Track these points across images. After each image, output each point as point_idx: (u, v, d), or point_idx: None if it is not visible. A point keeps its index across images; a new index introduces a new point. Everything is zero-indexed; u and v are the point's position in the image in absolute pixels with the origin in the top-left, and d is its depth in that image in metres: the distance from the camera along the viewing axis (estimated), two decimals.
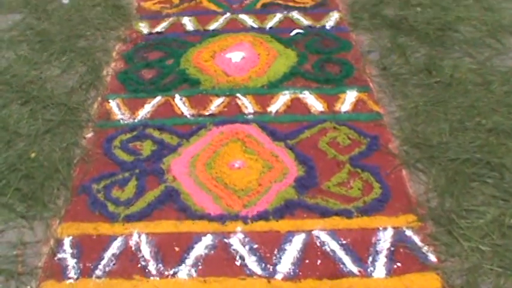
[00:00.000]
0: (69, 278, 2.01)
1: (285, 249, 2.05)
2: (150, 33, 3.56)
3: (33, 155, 2.59)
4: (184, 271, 2.00)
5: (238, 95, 2.88)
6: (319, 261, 2.02)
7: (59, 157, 2.58)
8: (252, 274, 1.98)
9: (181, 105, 2.84)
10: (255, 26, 3.56)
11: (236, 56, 3.20)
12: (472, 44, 3.39)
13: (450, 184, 2.34)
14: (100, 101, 2.98)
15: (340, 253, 2.04)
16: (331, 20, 3.62)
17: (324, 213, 2.18)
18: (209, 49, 3.29)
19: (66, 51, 3.46)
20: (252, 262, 2.02)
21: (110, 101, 2.93)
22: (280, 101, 2.82)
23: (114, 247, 2.11)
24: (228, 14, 3.72)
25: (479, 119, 2.71)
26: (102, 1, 4.08)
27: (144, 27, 3.64)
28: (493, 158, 2.45)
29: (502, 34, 3.50)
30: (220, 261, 2.04)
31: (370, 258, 2.02)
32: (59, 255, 2.09)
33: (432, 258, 2.02)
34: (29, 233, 2.25)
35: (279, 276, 1.97)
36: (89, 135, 2.73)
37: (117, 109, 2.86)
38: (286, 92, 2.89)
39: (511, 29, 3.53)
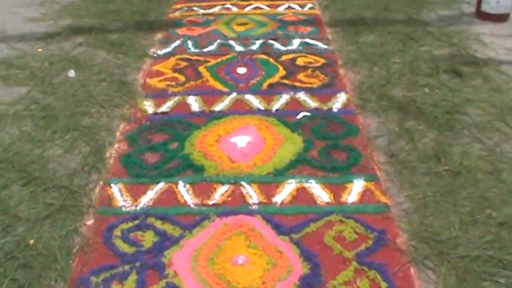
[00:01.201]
0: None
1: None
2: (155, 113, 3.61)
3: (31, 242, 2.59)
4: None
5: (242, 183, 2.89)
6: None
7: (58, 245, 2.58)
8: None
9: (185, 193, 2.85)
10: (261, 107, 3.61)
11: (241, 141, 3.24)
12: (481, 128, 3.43)
13: (461, 284, 2.32)
14: (102, 185, 2.99)
15: None
16: (338, 101, 3.68)
17: None
18: (214, 132, 3.33)
19: (70, 129, 3.51)
20: None
21: (112, 185, 2.94)
22: (285, 191, 2.83)
23: None
24: (234, 94, 3.78)
25: (489, 211, 2.70)
26: (107, 76, 4.17)
27: (149, 106, 3.70)
28: (504, 255, 2.44)
29: (510, 117, 3.54)
30: None
31: None
32: None
33: None
34: None
35: None
36: (90, 222, 2.74)
37: (119, 195, 2.87)
38: (292, 180, 2.90)
39: None
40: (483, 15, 5.30)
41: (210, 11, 5.42)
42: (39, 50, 4.73)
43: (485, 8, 5.30)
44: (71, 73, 4.22)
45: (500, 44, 4.73)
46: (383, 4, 5.51)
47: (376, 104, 3.68)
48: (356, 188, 2.85)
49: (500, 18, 5.28)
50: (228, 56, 4.36)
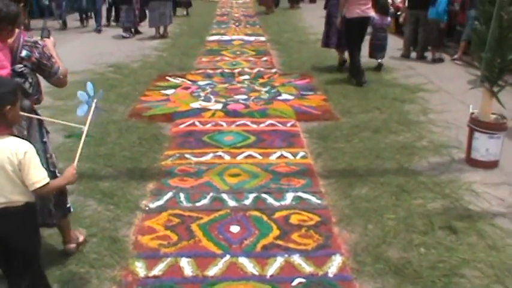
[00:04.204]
0: None
1: None
2: (147, 277, 3.61)
3: None
4: None
5: None
6: None
7: None
8: None
9: None
10: (256, 272, 3.64)
11: None
12: None
13: None
14: None
15: None
16: (334, 265, 3.72)
17: None
18: None
19: None
20: None
21: None
22: None
23: None
24: (228, 257, 3.81)
25: None
26: (98, 231, 4.22)
27: (140, 268, 3.71)
28: None
29: (509, 279, 3.59)
30: None
31: None
32: None
33: None
34: None
35: None
36: None
37: None
38: None
39: None
40: (474, 162, 5.52)
41: (203, 158, 5.54)
42: None
43: (475, 155, 5.52)
44: None
45: (492, 193, 4.89)
46: (374, 152, 5.71)
47: (372, 268, 3.73)
48: None
49: (490, 165, 5.49)
50: (221, 213, 4.41)
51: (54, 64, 3.50)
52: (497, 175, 5.33)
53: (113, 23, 15.43)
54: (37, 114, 3.53)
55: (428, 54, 10.81)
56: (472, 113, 5.67)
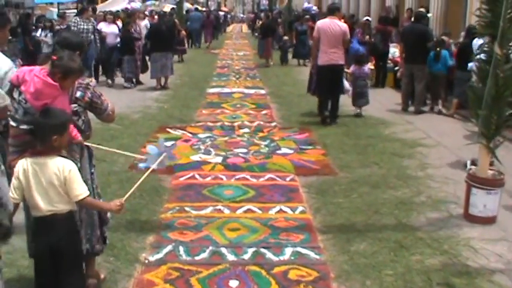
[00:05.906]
0: None
1: None
2: None
3: None
4: None
5: None
6: None
7: None
8: None
9: None
10: None
11: None
12: None
13: None
14: None
15: None
16: None
17: None
18: None
19: None
20: None
21: None
22: None
23: None
24: None
25: None
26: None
27: None
28: None
29: None
30: None
31: None
32: None
33: None
34: None
35: None
36: None
37: None
38: None
39: None
40: (471, 218, 5.59)
41: (202, 212, 5.61)
42: None
43: (473, 211, 5.59)
44: None
45: (490, 249, 4.92)
46: (373, 207, 5.78)
47: None
48: None
49: (488, 220, 5.55)
50: (220, 267, 4.45)
51: (104, 102, 3.92)
52: (495, 231, 5.38)
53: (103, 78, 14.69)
54: (88, 148, 3.96)
55: (426, 108, 10.99)
56: (470, 169, 5.76)
